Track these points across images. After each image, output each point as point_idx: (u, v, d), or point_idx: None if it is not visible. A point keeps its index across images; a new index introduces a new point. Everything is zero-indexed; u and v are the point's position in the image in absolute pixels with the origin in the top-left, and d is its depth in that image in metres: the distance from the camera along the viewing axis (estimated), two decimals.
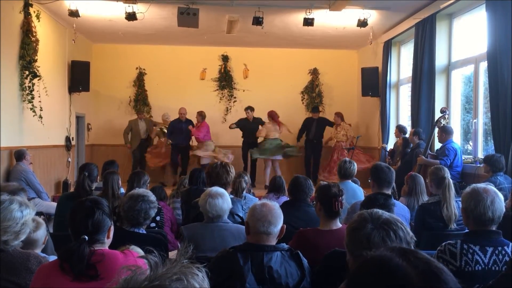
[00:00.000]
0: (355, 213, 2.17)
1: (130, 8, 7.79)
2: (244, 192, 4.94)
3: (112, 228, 2.33)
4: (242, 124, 10.25)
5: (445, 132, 6.67)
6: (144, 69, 11.53)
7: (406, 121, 9.51)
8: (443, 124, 6.77)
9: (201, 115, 10.02)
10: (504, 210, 2.62)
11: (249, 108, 10.16)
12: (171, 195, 5.80)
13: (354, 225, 1.85)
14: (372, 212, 1.85)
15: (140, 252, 2.38)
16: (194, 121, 10.15)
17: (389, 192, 3.95)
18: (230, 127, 10.34)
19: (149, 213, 3.29)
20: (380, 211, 1.86)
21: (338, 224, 3.14)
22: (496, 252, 2.51)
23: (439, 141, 6.91)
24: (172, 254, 3.78)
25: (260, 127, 10.15)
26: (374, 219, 1.81)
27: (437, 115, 7.22)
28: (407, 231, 1.78)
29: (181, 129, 10.04)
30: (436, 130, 6.90)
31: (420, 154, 6.86)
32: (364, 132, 10.99)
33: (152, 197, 3.37)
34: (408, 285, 0.97)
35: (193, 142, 10.33)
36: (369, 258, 1.06)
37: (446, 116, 6.90)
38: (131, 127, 10.52)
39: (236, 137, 10.55)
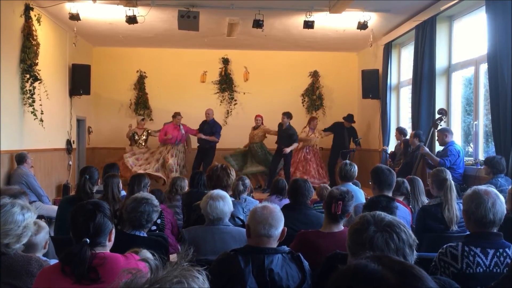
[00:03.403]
0: (356, 215, 2.17)
1: (130, 11, 7.80)
2: (245, 195, 4.94)
3: (114, 231, 2.33)
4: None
5: (448, 133, 6.70)
6: (144, 72, 11.55)
7: (406, 123, 9.51)
8: (443, 126, 6.80)
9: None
10: (505, 212, 2.62)
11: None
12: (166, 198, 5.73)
13: (356, 227, 1.83)
14: (375, 214, 1.84)
15: (149, 256, 2.37)
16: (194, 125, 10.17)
17: (390, 194, 3.95)
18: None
19: (152, 216, 3.31)
20: (383, 214, 1.85)
21: (340, 227, 3.14)
22: (498, 254, 2.50)
23: (440, 144, 6.91)
24: (173, 257, 3.78)
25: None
26: (377, 221, 1.79)
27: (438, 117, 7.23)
28: (409, 234, 1.77)
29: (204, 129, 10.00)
30: (436, 132, 6.92)
31: (422, 146, 6.83)
32: (365, 134, 10.98)
33: (156, 202, 3.41)
34: (388, 287, 0.99)
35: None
36: (345, 268, 1.07)
37: (444, 118, 6.92)
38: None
39: (237, 140, 10.55)
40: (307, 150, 10.09)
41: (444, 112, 6.95)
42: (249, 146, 10.03)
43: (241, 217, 4.00)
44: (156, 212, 3.38)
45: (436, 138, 6.91)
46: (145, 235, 3.33)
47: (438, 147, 7.17)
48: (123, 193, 4.67)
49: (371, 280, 1.01)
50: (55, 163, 8.91)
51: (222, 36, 9.85)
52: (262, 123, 10.05)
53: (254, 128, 10.06)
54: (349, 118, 10.27)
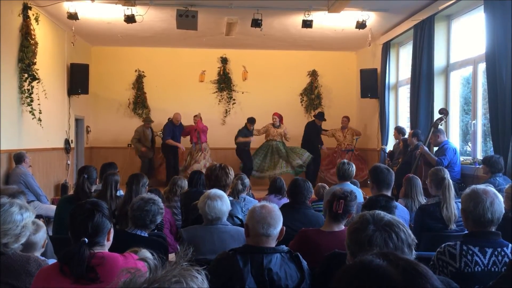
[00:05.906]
0: (356, 214, 2.17)
1: (129, 10, 7.79)
2: (244, 194, 4.94)
3: (112, 230, 2.33)
4: (244, 134, 10.06)
5: (440, 133, 6.75)
6: (143, 72, 11.53)
7: (405, 122, 9.52)
8: (439, 127, 6.85)
9: (197, 117, 10.18)
10: (503, 211, 2.62)
11: (251, 122, 10.01)
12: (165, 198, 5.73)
13: (355, 226, 1.84)
14: (374, 213, 1.84)
15: (148, 255, 2.37)
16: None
17: (389, 193, 3.95)
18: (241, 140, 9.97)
19: (156, 217, 3.35)
20: (382, 213, 1.85)
21: (341, 226, 3.14)
22: (496, 253, 2.51)
23: (434, 144, 6.95)
24: (172, 256, 3.78)
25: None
26: (376, 220, 1.80)
27: (436, 116, 7.24)
28: (408, 233, 1.78)
29: (175, 133, 10.18)
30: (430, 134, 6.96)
31: (421, 145, 6.87)
32: (363, 133, 10.99)
33: (161, 204, 3.46)
34: (391, 283, 0.99)
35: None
36: (351, 263, 1.09)
37: (445, 118, 6.93)
38: (139, 135, 10.45)
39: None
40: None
41: (445, 112, 6.97)
42: (270, 144, 10.01)
43: (240, 217, 4.00)
44: (161, 214, 3.42)
45: (429, 139, 6.93)
46: (147, 235, 3.33)
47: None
48: (120, 192, 4.65)
49: (375, 275, 1.02)
50: (54, 162, 8.90)
51: (221, 36, 9.84)
52: (281, 122, 10.06)
53: (275, 126, 10.01)
54: (320, 116, 10.49)
